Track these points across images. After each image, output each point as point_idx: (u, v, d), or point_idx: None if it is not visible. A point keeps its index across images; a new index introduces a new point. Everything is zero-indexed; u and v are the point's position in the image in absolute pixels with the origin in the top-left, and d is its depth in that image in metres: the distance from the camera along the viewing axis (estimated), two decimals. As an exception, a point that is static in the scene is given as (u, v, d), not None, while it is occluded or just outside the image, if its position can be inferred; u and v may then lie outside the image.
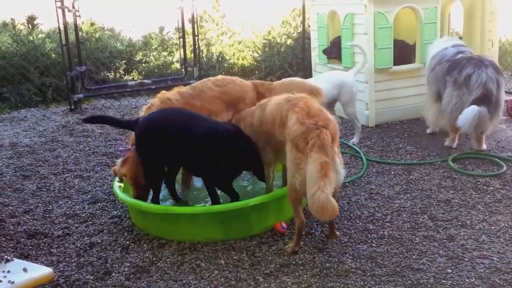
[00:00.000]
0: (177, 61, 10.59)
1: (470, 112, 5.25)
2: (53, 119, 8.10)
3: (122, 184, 4.51)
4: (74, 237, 4.24)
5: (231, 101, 4.67)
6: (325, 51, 7.44)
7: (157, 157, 4.20)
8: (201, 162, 4.10)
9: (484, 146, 5.72)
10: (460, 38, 6.89)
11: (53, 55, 9.82)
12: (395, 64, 6.73)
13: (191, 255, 3.84)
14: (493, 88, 5.33)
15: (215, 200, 4.20)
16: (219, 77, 4.87)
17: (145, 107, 4.59)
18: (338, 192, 3.97)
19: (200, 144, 4.02)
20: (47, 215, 4.67)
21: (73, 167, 5.87)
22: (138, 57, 10.81)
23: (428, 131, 6.40)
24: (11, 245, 4.13)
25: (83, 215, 4.65)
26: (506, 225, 4.06)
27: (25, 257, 3.92)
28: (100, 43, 10.66)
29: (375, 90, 6.68)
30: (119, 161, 4.47)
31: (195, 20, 9.33)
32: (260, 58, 11.13)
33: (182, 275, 3.59)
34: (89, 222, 4.50)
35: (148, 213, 4.18)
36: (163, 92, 4.62)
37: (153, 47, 11.21)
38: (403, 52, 7.17)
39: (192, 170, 4.43)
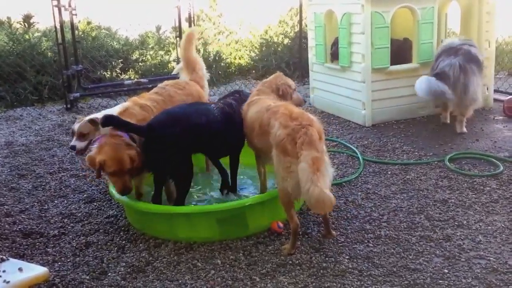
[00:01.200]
0: (174, 60, 10.56)
1: (421, 80, 6.13)
2: (49, 118, 8.07)
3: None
4: (70, 236, 4.23)
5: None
6: (332, 54, 7.47)
7: (184, 152, 4.17)
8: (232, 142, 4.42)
9: (464, 130, 6.29)
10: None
11: (49, 53, 9.78)
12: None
13: (187, 255, 3.83)
14: (453, 72, 5.99)
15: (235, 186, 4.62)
16: (171, 81, 5.08)
17: (119, 110, 4.44)
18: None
19: (229, 124, 4.33)
20: (43, 215, 4.66)
21: (69, 166, 5.85)
22: (135, 56, 10.79)
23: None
24: (7, 244, 4.11)
25: (79, 214, 4.64)
26: (503, 225, 4.06)
27: (21, 256, 3.90)
28: (97, 42, 10.63)
29: (372, 90, 6.67)
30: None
31: (192, 19, 9.32)
32: (257, 58, 11.13)
33: (178, 275, 3.58)
34: (85, 222, 4.49)
35: (145, 213, 4.16)
36: (135, 98, 4.61)
37: (150, 46, 11.19)
38: (400, 51, 7.17)
39: (219, 153, 4.63)
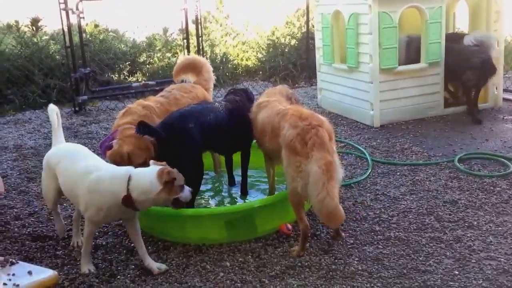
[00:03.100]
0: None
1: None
2: (58, 121, 8.08)
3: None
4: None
5: None
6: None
7: (198, 148, 4.23)
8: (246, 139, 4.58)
9: None
10: None
11: (57, 57, 9.83)
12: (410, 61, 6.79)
13: (196, 257, 3.82)
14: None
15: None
16: (177, 85, 5.16)
17: (122, 111, 4.51)
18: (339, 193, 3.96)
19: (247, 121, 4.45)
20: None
21: (77, 169, 5.85)
22: (142, 58, 10.81)
23: None
24: (16, 247, 4.13)
25: (88, 217, 4.64)
26: (514, 226, 4.03)
27: (30, 259, 3.91)
28: (104, 45, 10.67)
29: (380, 90, 6.65)
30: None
31: (199, 21, 9.33)
32: (264, 59, 11.13)
33: (187, 277, 3.58)
34: (94, 224, 4.49)
35: (154, 215, 4.16)
36: (140, 100, 4.66)
37: (157, 48, 11.21)
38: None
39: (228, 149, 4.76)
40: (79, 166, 3.65)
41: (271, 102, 4.27)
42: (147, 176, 3.41)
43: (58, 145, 4.01)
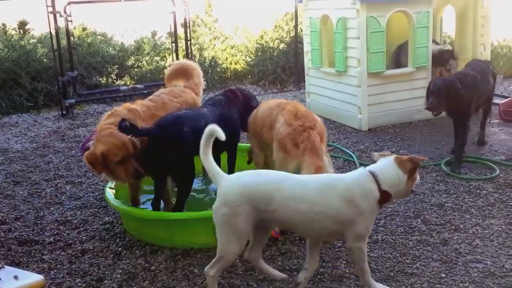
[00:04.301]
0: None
1: None
2: (45, 125, 8.04)
3: (114, 191, 4.46)
4: (66, 243, 4.20)
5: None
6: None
7: (192, 154, 4.16)
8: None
9: None
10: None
11: (44, 60, 9.77)
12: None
13: (184, 261, 3.81)
14: None
15: None
16: (166, 89, 5.12)
17: (107, 113, 4.40)
18: None
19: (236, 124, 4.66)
20: (39, 222, 4.63)
21: (64, 173, 5.82)
22: (130, 62, 10.78)
23: None
24: (2, 252, 4.09)
25: (75, 221, 4.61)
26: (500, 228, 4.06)
27: (16, 264, 3.88)
28: (92, 48, 10.62)
29: (367, 94, 6.68)
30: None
31: (188, 24, 9.32)
32: (252, 63, 11.14)
33: (175, 281, 3.56)
34: (81, 229, 4.46)
35: (141, 219, 4.15)
36: (127, 104, 4.61)
37: (146, 52, 11.18)
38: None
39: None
40: (311, 184, 3.10)
41: (275, 99, 4.49)
42: (391, 169, 3.07)
43: (235, 175, 3.26)
